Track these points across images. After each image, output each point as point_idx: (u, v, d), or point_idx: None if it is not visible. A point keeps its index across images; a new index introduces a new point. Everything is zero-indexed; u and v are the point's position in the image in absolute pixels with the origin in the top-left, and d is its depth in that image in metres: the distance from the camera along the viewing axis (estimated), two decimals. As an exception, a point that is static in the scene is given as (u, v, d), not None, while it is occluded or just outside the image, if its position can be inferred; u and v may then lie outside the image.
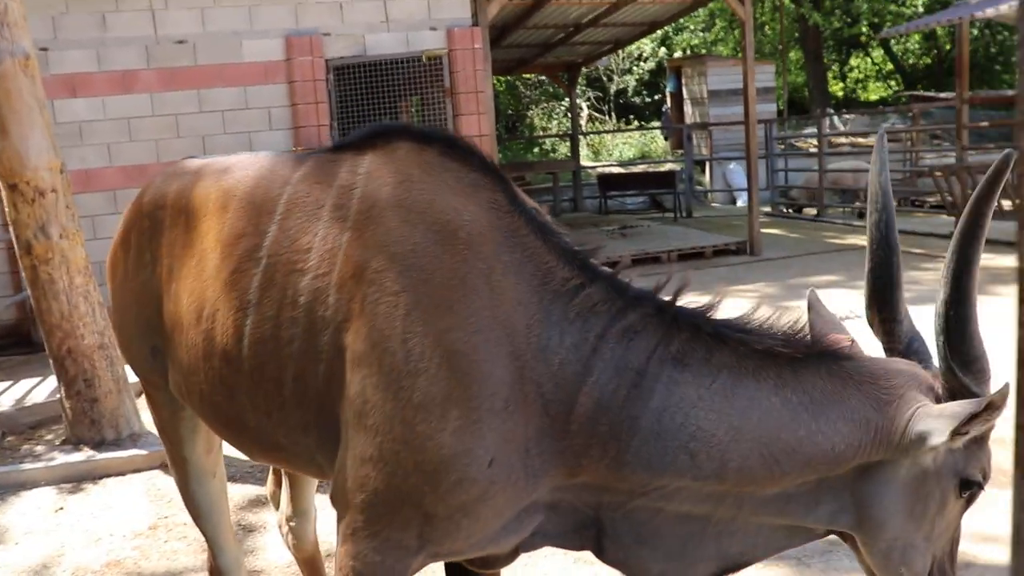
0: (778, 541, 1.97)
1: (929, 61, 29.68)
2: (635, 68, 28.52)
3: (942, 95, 19.46)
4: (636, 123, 28.29)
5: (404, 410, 1.80)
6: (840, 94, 30.60)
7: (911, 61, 30.78)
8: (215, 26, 9.13)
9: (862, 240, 11.46)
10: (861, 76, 32.04)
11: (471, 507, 1.83)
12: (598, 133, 24.91)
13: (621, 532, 1.93)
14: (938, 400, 1.84)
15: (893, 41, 28.97)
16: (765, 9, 25.33)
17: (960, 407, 1.75)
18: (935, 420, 1.75)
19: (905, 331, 2.01)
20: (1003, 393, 1.67)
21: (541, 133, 25.52)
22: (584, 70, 20.94)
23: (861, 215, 14.80)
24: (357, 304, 1.88)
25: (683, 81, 21.49)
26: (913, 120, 17.68)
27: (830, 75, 29.57)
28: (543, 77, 23.92)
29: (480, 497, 1.82)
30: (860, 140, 19.46)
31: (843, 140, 19.88)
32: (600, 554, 1.97)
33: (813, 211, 15.62)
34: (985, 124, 14.18)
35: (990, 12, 11.29)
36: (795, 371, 1.84)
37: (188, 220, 2.30)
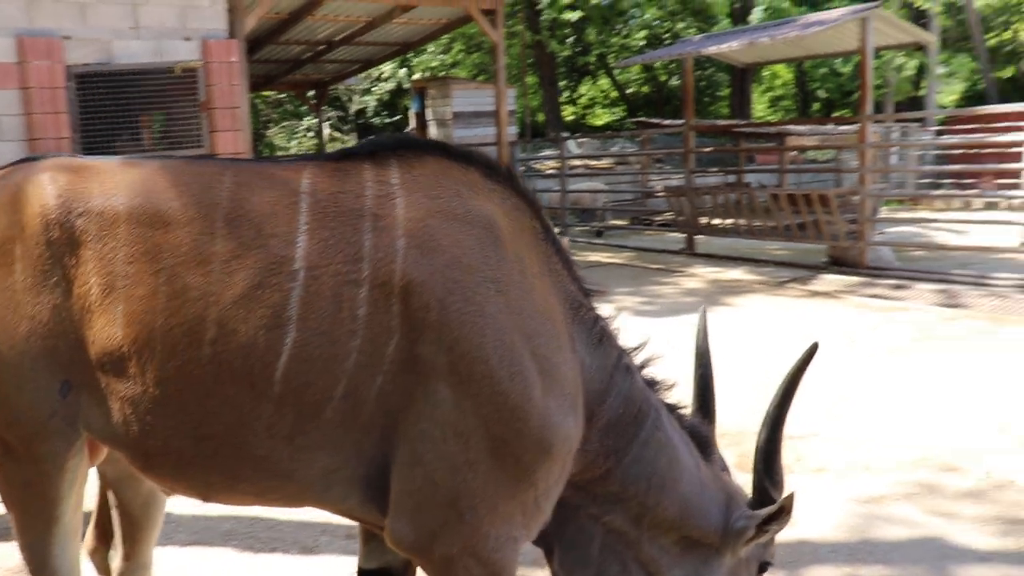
0: None
1: (648, 90, 32.25)
2: (374, 89, 28.65)
3: (666, 122, 21.19)
4: (378, 141, 28.35)
5: (502, 410, 1.94)
6: (571, 118, 32.46)
7: (632, 90, 33.29)
8: (-69, 22, 8.15)
9: (603, 257, 12.28)
10: (589, 102, 34.19)
11: (553, 489, 2.11)
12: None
13: (568, 533, 2.33)
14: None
15: (617, 71, 31.18)
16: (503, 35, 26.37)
17: (765, 513, 2.34)
18: (749, 520, 2.36)
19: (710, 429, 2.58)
20: (790, 500, 2.29)
21: (282, 153, 24.91)
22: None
23: (599, 233, 15.84)
24: (433, 313, 1.91)
25: (427, 102, 21.85)
26: (643, 145, 19.11)
27: (561, 100, 31.27)
28: (283, 95, 23.42)
29: (559, 479, 2.11)
30: (592, 163, 20.75)
31: (577, 163, 21.12)
32: (549, 552, 2.38)
33: (556, 230, 16.42)
34: (709, 149, 15.64)
35: (712, 50, 12.49)
36: (701, 456, 2.46)
37: (135, 231, 1.97)
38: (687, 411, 2.54)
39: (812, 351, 2.40)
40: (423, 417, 1.93)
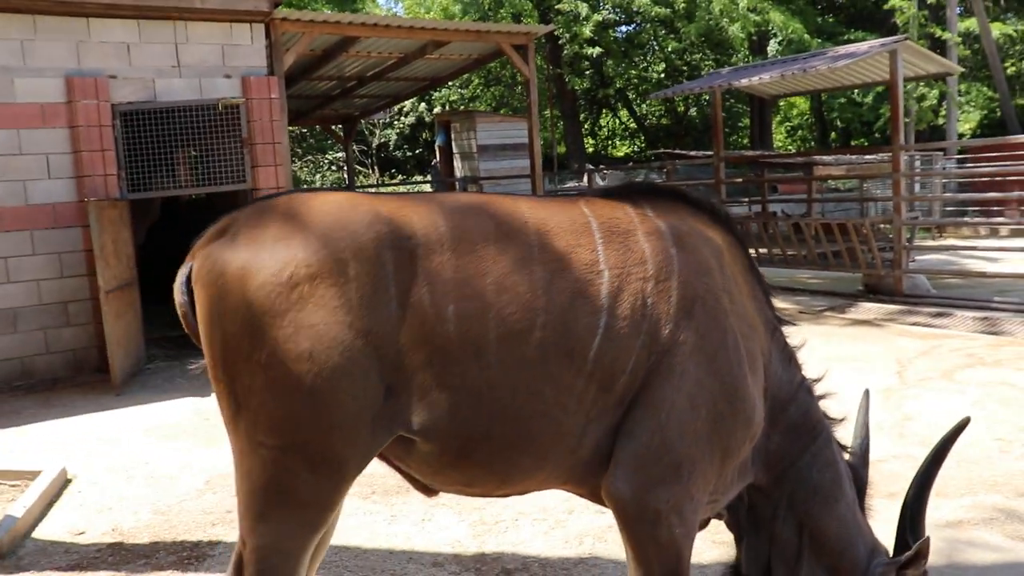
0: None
1: (667, 122, 32.41)
2: (396, 123, 28.90)
3: (692, 153, 21.29)
4: (399, 176, 28.60)
5: (724, 380, 2.39)
6: (591, 150, 32.63)
7: (650, 122, 33.46)
8: (-18, 62, 8.31)
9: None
10: (608, 134, 34.38)
11: (739, 471, 2.56)
12: (368, 188, 24.93)
13: (750, 527, 2.78)
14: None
15: (636, 102, 31.38)
16: (522, 69, 26.63)
17: (904, 559, 2.62)
18: (889, 567, 2.65)
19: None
20: (926, 543, 2.58)
21: (308, 187, 25.12)
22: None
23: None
24: (698, 305, 2.38)
25: (451, 135, 22.06)
26: (667, 176, 19.18)
27: (582, 132, 31.47)
28: (306, 129, 23.66)
29: (746, 444, 2.51)
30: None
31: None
32: (738, 540, 2.82)
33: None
34: (740, 180, 15.68)
35: (744, 83, 12.57)
36: (852, 496, 2.80)
37: (459, 248, 2.29)
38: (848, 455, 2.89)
39: (965, 423, 2.79)
40: (671, 388, 2.33)
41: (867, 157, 20.43)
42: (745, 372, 2.44)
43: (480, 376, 2.23)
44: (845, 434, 2.92)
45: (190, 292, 2.36)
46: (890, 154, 12.62)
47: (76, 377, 8.47)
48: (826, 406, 2.82)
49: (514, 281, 2.28)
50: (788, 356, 2.74)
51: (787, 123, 36.78)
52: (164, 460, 5.87)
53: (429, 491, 2.57)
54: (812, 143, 34.73)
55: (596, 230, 2.44)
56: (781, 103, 33.94)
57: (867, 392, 3.04)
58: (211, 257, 2.29)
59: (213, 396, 7.61)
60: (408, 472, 2.45)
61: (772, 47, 24.28)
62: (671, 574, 2.40)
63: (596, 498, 2.54)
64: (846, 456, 2.85)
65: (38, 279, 8.52)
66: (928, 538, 2.59)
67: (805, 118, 36.14)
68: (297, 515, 2.27)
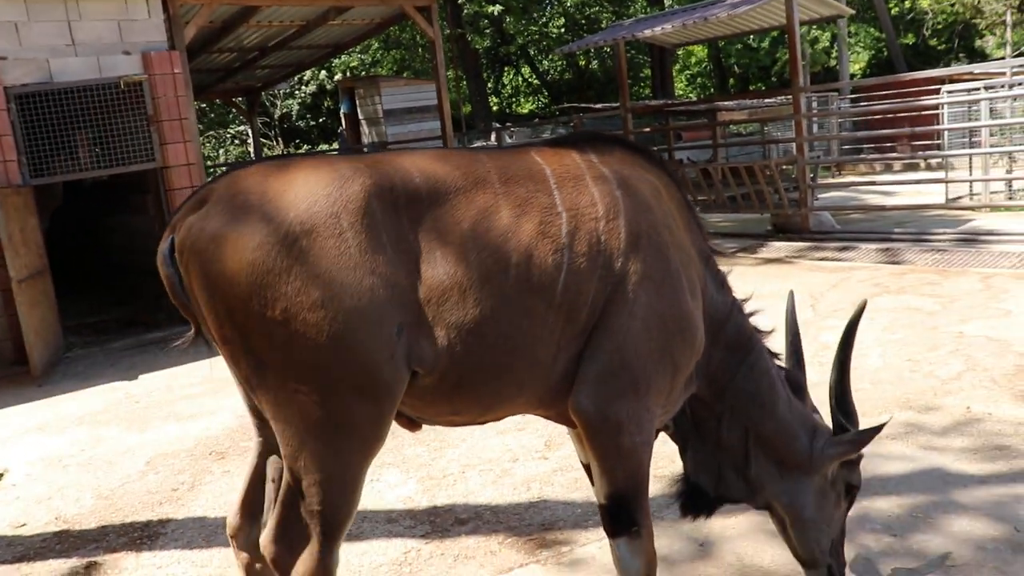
0: (740, 492, 3.05)
1: (570, 77, 32.56)
2: (297, 92, 28.34)
3: (598, 106, 21.48)
4: (304, 147, 28.12)
5: (670, 304, 2.67)
6: (496, 109, 32.59)
7: (552, 77, 33.56)
8: None
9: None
10: (512, 92, 34.35)
11: (688, 366, 2.78)
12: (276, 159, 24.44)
13: (695, 438, 3.06)
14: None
15: (538, 60, 31.41)
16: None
17: (851, 437, 2.96)
18: (837, 446, 2.96)
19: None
20: (878, 427, 2.90)
21: (211, 164, 24.50)
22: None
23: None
24: (644, 240, 2.65)
25: (356, 102, 21.77)
26: (575, 129, 19.37)
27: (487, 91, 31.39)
28: (205, 104, 23.03)
29: (692, 360, 2.79)
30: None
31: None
32: (683, 450, 3.09)
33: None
34: (648, 130, 15.95)
35: (647, 33, 12.77)
36: (793, 393, 3.09)
37: (436, 197, 2.50)
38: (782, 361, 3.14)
39: (863, 306, 3.09)
40: (626, 314, 2.60)
41: (767, 101, 20.97)
42: (687, 297, 2.72)
43: (470, 313, 2.43)
44: (776, 345, 3.16)
45: (174, 264, 2.44)
46: (790, 97, 13.02)
47: (-7, 371, 8.23)
48: (755, 321, 3.10)
49: (487, 226, 2.50)
50: (721, 281, 3.02)
51: (687, 71, 37.36)
52: (99, 446, 5.81)
53: (413, 425, 2.74)
54: (712, 90, 35.39)
55: (550, 176, 2.66)
56: (679, 52, 34.47)
57: (791, 293, 3.30)
58: (198, 226, 2.36)
59: (141, 379, 7.48)
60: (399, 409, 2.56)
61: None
62: (632, 478, 2.67)
63: (563, 419, 2.81)
64: (779, 362, 3.12)
65: (-58, 273, 8.22)
66: (882, 425, 2.96)
67: (704, 66, 36.77)
68: (357, 439, 2.41)
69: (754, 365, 3.00)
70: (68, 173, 9.05)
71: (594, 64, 31.27)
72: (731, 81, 34.67)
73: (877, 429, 2.92)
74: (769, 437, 2.98)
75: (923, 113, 16.45)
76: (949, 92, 14.54)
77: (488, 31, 26.83)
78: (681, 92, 35.52)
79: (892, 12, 31.16)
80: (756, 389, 2.98)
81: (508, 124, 23.94)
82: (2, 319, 8.34)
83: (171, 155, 9.32)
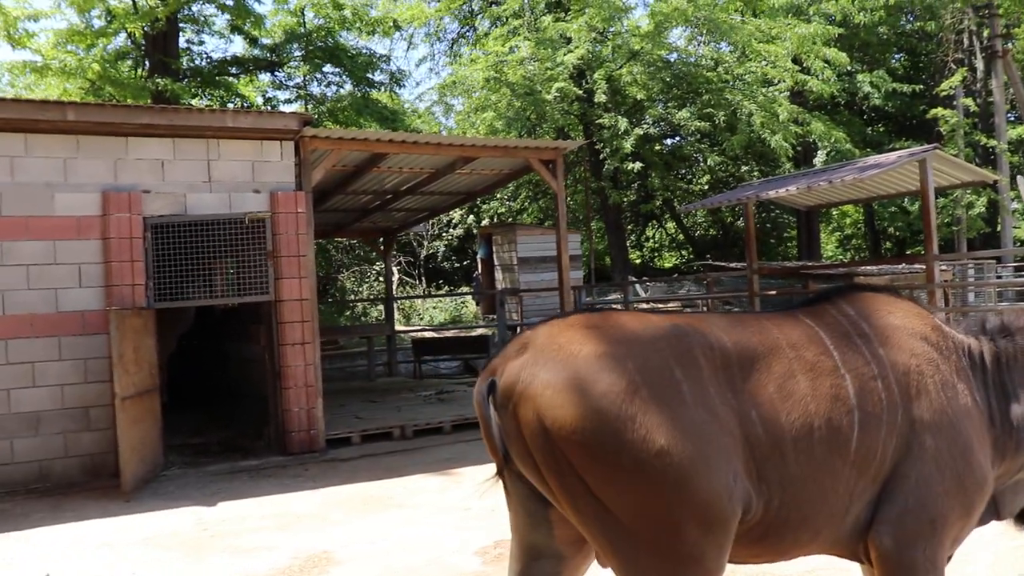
0: None
1: (715, 232, 32.46)
2: (444, 234, 29.45)
3: (731, 264, 21.22)
4: (446, 287, 28.98)
5: (959, 448, 2.80)
6: (638, 262, 32.75)
7: (699, 233, 33.55)
8: (26, 176, 8.79)
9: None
10: (656, 245, 34.51)
11: (980, 502, 2.89)
12: (410, 298, 25.28)
13: (1006, 496, 3.14)
14: None
15: (684, 215, 31.55)
16: (567, 182, 27.12)
17: None
18: None
19: None
20: None
21: (353, 297, 25.57)
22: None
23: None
24: (914, 389, 2.81)
25: (493, 248, 22.39)
26: (707, 287, 19.12)
27: (628, 244, 31.68)
28: (355, 241, 24.25)
29: (983, 493, 2.89)
30: (659, 305, 20.78)
31: (645, 305, 21.18)
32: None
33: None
34: (773, 293, 15.55)
35: (771, 194, 12.61)
36: None
37: (745, 360, 2.69)
38: None
39: None
40: (918, 460, 2.76)
41: (915, 266, 20.10)
42: (971, 434, 2.87)
43: (784, 469, 2.61)
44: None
45: (492, 405, 2.63)
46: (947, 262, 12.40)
47: (92, 482, 8.59)
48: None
49: (790, 391, 2.69)
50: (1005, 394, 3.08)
51: (839, 233, 36.54)
52: (149, 569, 5.87)
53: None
54: (866, 253, 34.38)
55: (825, 338, 2.86)
56: (835, 212, 33.83)
57: None
58: (530, 372, 2.55)
59: (220, 505, 7.60)
60: None
61: (820, 157, 24.38)
62: None
63: (851, 556, 2.94)
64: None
65: (63, 384, 8.77)
66: None
67: (858, 228, 35.89)
68: (701, 571, 2.51)
69: None
70: (189, 299, 9.60)
71: (740, 222, 31.10)
72: (888, 244, 33.61)
73: None
74: None
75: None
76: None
77: (634, 185, 27.23)
78: (831, 254, 34.71)
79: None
80: None
81: (644, 278, 23.95)
82: (108, 432, 8.76)
83: (285, 289, 9.75)
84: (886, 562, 2.76)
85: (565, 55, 22.12)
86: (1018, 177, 24.94)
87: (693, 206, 15.61)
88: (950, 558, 3.05)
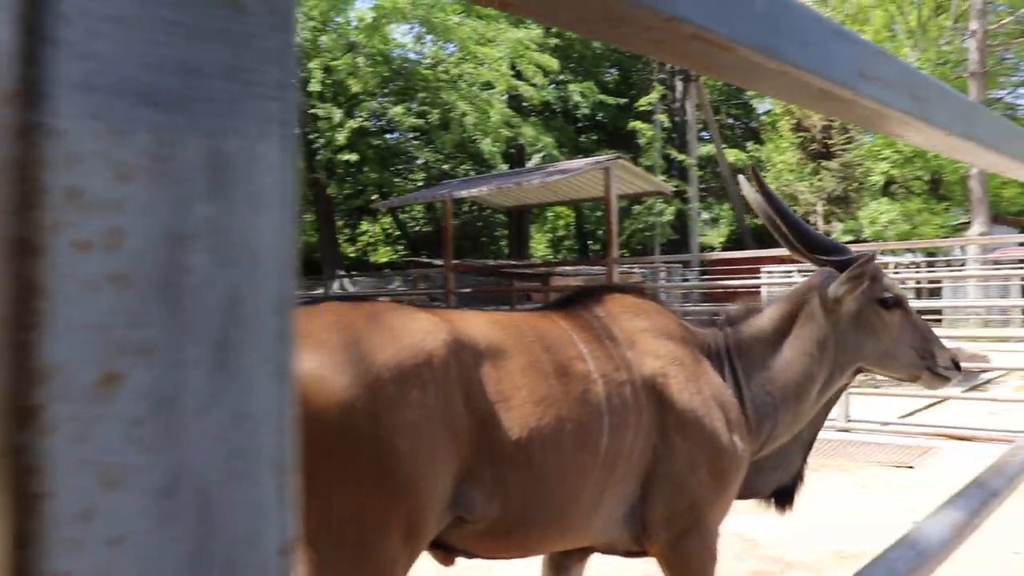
0: (825, 412, 3.32)
1: (430, 229, 32.69)
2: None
3: (435, 262, 21.30)
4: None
5: (706, 440, 2.86)
6: (353, 255, 32.25)
7: (416, 228, 33.64)
8: None
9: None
10: (371, 240, 34.19)
11: (735, 482, 2.98)
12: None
13: (749, 475, 3.17)
14: None
15: (400, 210, 31.48)
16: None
17: (843, 274, 3.06)
18: (836, 285, 3.07)
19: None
20: (865, 256, 3.08)
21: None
22: None
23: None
24: (659, 393, 2.84)
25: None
26: (413, 284, 19.05)
27: (341, 238, 31.10)
28: None
29: (740, 471, 2.99)
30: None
31: (352, 300, 20.74)
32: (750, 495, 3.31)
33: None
34: (469, 290, 15.68)
35: (464, 193, 12.63)
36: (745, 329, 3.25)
37: (497, 360, 2.61)
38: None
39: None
40: (670, 459, 2.83)
41: (618, 269, 21.15)
42: (722, 424, 2.93)
43: (528, 476, 2.58)
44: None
45: None
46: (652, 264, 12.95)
47: None
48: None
49: (544, 393, 2.64)
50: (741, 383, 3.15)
51: (552, 234, 38.15)
52: None
53: (447, 559, 2.82)
54: (576, 253, 36.11)
55: (577, 340, 2.82)
56: (549, 214, 35.21)
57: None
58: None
59: None
60: (439, 540, 2.65)
61: (535, 160, 25.14)
62: None
63: (605, 549, 3.01)
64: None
65: None
66: (870, 255, 3.12)
67: (569, 229, 37.65)
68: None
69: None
70: None
71: (456, 219, 31.49)
72: (596, 246, 35.48)
73: (865, 258, 3.07)
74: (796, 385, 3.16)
75: (749, 291, 16.78)
76: (767, 273, 14.80)
77: (347, 179, 26.70)
78: (543, 254, 36.09)
79: (742, 192, 32.67)
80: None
81: (353, 273, 23.52)
82: None
83: None
84: (666, 558, 2.92)
85: (277, 40, 21.13)
86: (740, 176, 27.11)
87: (391, 203, 15.50)
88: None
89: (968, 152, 1.27)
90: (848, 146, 24.56)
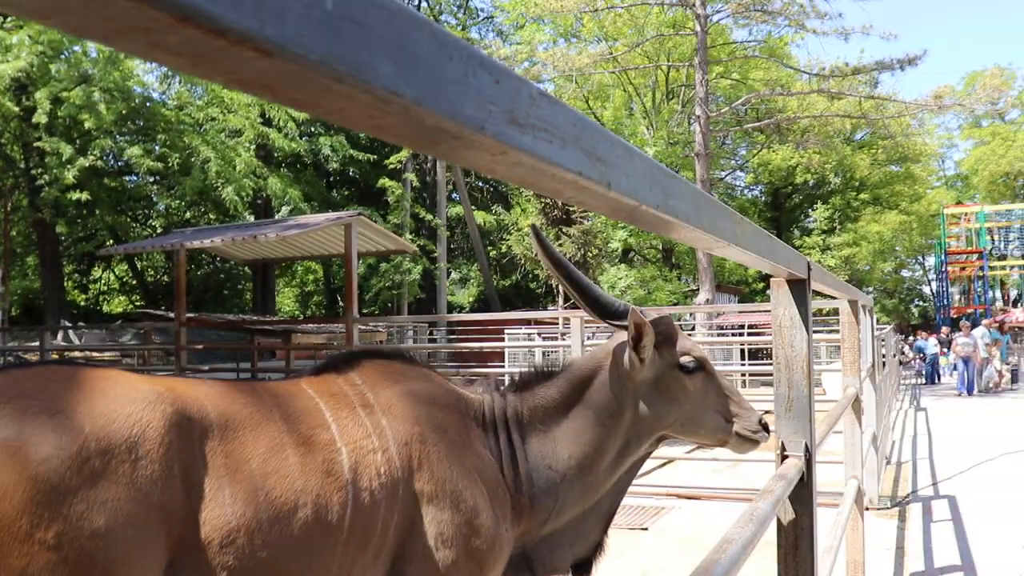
0: (627, 479, 3.13)
1: (169, 279, 31.08)
2: None
3: (168, 314, 20.27)
4: None
5: (464, 515, 2.70)
6: (83, 304, 29.98)
7: (156, 278, 31.86)
8: None
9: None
10: (104, 288, 31.98)
11: (496, 564, 2.81)
12: None
13: (541, 552, 3.06)
14: None
15: (137, 257, 29.74)
16: (-1, 210, 23.93)
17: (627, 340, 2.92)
18: (626, 356, 2.91)
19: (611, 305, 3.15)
20: (634, 315, 2.87)
21: None
22: None
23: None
24: (415, 461, 2.68)
25: None
26: (146, 337, 18.00)
27: (70, 284, 28.86)
28: None
29: (502, 553, 2.81)
30: (95, 355, 19.04)
31: (77, 354, 19.23)
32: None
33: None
34: (200, 346, 15.04)
35: (196, 244, 12.15)
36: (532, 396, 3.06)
37: (226, 432, 2.42)
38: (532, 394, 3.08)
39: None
40: (423, 534, 2.65)
41: (360, 328, 21.07)
42: (477, 497, 2.74)
43: (254, 556, 2.35)
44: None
45: None
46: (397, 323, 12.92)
47: None
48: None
49: (275, 466, 2.44)
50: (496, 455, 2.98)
51: (300, 289, 37.45)
52: None
53: None
54: (324, 309, 35.62)
55: (325, 409, 2.64)
56: (299, 268, 34.54)
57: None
58: None
59: None
60: None
61: (283, 212, 24.65)
62: None
63: None
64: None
65: None
66: (634, 309, 2.92)
67: (318, 285, 37.12)
68: None
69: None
70: None
71: (197, 270, 30.16)
72: (343, 303, 35.12)
73: (634, 316, 2.89)
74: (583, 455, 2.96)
75: (494, 351, 17.32)
76: (510, 335, 15.34)
77: (78, 221, 24.90)
78: (289, 309, 35.33)
79: (491, 254, 33.91)
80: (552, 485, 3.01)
81: (81, 324, 21.86)
82: None
83: None
84: None
85: (1, 64, 19.55)
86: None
87: (118, 249, 14.61)
88: None
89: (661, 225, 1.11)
90: (588, 213, 26.15)
